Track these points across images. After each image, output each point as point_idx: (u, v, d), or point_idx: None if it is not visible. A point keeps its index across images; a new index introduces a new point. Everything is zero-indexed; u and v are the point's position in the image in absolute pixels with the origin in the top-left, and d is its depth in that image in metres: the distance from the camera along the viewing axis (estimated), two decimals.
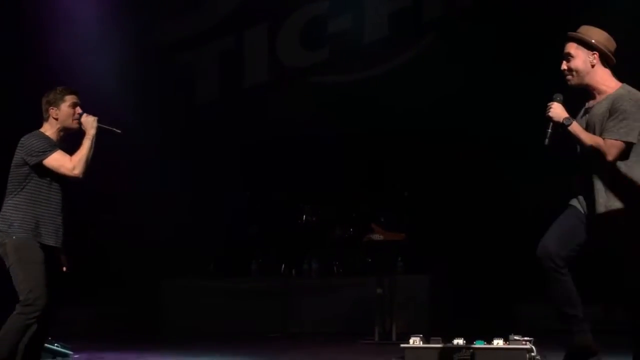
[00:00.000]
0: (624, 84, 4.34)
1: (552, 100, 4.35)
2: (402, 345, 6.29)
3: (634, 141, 4.20)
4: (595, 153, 4.22)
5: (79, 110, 4.92)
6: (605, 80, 4.34)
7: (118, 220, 9.48)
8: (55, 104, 4.89)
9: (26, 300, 4.62)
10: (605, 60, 4.35)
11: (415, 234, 8.13)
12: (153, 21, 10.53)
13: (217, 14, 10.64)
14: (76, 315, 8.31)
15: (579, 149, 4.33)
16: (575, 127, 4.28)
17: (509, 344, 5.76)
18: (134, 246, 9.26)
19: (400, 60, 9.97)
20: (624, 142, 4.19)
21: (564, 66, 4.39)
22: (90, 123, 4.86)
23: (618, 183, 4.20)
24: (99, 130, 4.86)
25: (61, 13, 9.74)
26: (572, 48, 4.37)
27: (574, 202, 4.42)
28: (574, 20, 9.28)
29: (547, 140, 4.34)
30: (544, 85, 9.42)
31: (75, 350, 6.61)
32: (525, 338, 6.01)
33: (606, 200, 4.22)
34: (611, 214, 4.20)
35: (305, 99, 9.99)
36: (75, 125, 4.90)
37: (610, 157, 4.20)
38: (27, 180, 4.76)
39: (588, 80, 4.36)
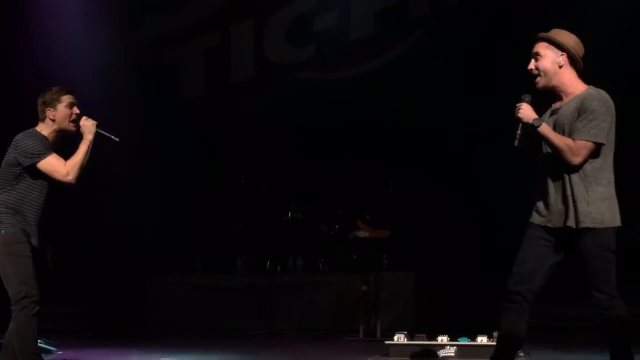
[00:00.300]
0: (591, 85, 4.32)
1: (520, 101, 4.32)
2: (386, 342, 6.32)
3: (604, 142, 4.17)
4: (565, 154, 4.17)
5: (76, 110, 4.79)
6: (572, 82, 4.31)
7: (102, 218, 9.44)
8: (52, 104, 4.76)
9: (18, 293, 4.53)
10: (573, 63, 4.31)
11: (400, 231, 8.15)
12: (139, 16, 10.48)
13: (203, 9, 10.60)
14: (60, 311, 8.27)
15: (544, 150, 4.29)
16: (545, 129, 4.24)
17: (492, 341, 5.79)
18: (119, 243, 9.22)
19: (387, 57, 9.97)
20: (594, 142, 4.16)
21: (532, 65, 4.34)
22: (88, 127, 4.73)
23: (590, 186, 4.17)
24: (96, 136, 4.74)
25: (45, 9, 9.69)
26: (541, 48, 4.33)
27: (536, 218, 4.32)
28: (559, 17, 9.41)
29: (516, 141, 4.30)
30: (529, 84, 9.48)
31: (58, 347, 6.59)
32: None
33: (585, 209, 4.16)
34: (587, 221, 4.16)
35: (291, 95, 9.98)
36: (72, 127, 4.77)
37: (580, 159, 4.16)
38: (18, 180, 4.66)
39: (555, 81, 4.31)
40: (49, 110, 4.76)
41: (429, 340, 6.23)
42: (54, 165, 4.63)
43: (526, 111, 4.29)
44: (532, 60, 4.35)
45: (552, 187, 4.27)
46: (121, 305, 8.93)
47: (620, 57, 8.77)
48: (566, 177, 4.22)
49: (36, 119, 4.82)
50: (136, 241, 9.27)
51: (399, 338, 6.27)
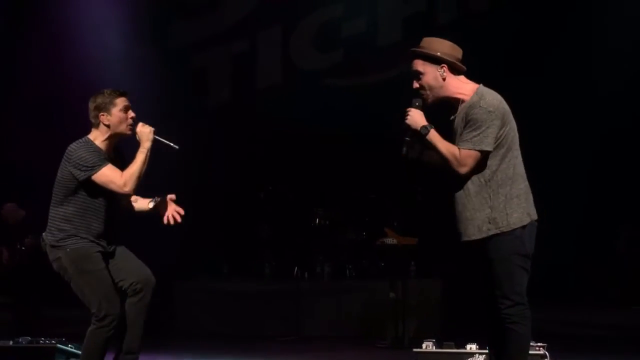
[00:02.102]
0: (480, 86, 4.16)
1: (410, 106, 4.15)
2: (414, 349, 6.27)
3: (489, 149, 4.00)
4: (451, 164, 4.03)
5: (131, 114, 4.56)
6: (459, 89, 4.13)
7: (130, 223, 9.47)
8: (106, 108, 4.51)
9: (99, 311, 4.41)
10: (455, 69, 4.15)
11: (428, 238, 8.11)
12: (168, 23, 10.55)
13: (231, 16, 10.65)
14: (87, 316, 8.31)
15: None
16: (433, 136, 4.06)
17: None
18: (148, 248, 9.25)
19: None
20: (478, 151, 4.00)
21: (416, 85, 4.16)
22: (146, 135, 4.50)
23: (493, 191, 4.02)
24: (154, 143, 4.52)
25: (76, 16, 9.79)
26: (418, 65, 4.15)
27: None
28: (582, 21, 9.35)
29: (405, 149, 4.14)
30: (557, 87, 9.44)
31: None
32: (539, 344, 5.98)
33: (489, 215, 4.02)
34: (492, 227, 4.02)
35: (318, 101, 9.99)
36: (128, 131, 4.53)
37: (466, 169, 4.01)
38: (76, 192, 4.46)
39: (443, 93, 4.14)
40: (102, 115, 4.52)
41: (458, 348, 6.18)
42: (109, 176, 4.40)
43: (415, 117, 4.11)
44: (415, 80, 4.16)
45: (457, 198, 4.12)
46: (149, 310, 8.95)
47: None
48: (469, 187, 4.07)
49: (85, 127, 4.60)
50: (165, 247, 9.31)
51: (427, 346, 6.22)
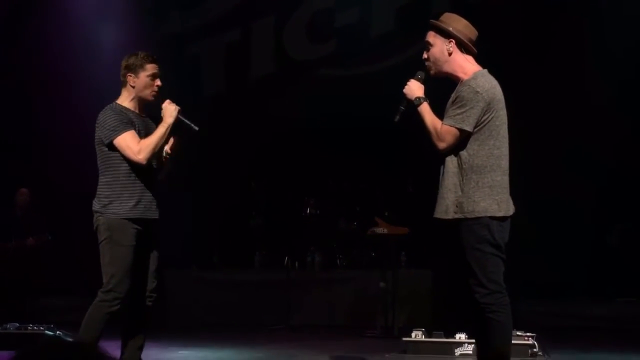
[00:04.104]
0: (482, 70, 4.17)
1: (413, 77, 4.23)
2: (404, 339, 6.30)
3: (469, 129, 4.00)
4: (432, 137, 4.07)
5: (158, 82, 4.62)
6: (462, 68, 4.15)
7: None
8: (135, 71, 4.58)
9: (107, 285, 4.45)
10: (463, 48, 4.17)
11: (419, 229, 8.11)
12: (161, 13, 10.51)
13: (224, 5, 10.61)
14: (80, 304, 8.30)
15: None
16: (423, 108, 4.14)
17: (511, 341, 5.75)
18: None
19: (408, 53, 9.94)
20: (457, 129, 4.01)
21: (425, 55, 4.22)
22: (170, 111, 4.58)
23: (466, 174, 4.01)
24: (176, 122, 4.58)
25: (69, 5, 9.77)
26: (430, 37, 4.21)
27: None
28: (579, 16, 9.35)
29: (397, 117, 4.22)
30: (552, 77, 9.43)
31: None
32: (528, 334, 6.01)
33: (457, 198, 4.01)
34: (458, 211, 4.01)
35: (311, 91, 9.97)
36: (151, 97, 4.60)
37: (444, 144, 4.04)
38: (113, 158, 4.51)
39: (447, 68, 4.17)
40: (130, 75, 4.59)
41: (447, 337, 6.20)
42: (127, 142, 4.46)
43: (412, 87, 4.21)
44: (425, 50, 4.22)
45: (440, 177, 4.15)
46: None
47: None
48: (446, 165, 4.10)
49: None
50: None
51: (417, 335, 6.25)
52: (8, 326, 6.29)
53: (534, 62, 9.18)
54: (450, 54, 4.16)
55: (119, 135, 4.47)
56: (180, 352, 6.65)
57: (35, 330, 6.17)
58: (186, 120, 4.64)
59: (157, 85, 4.64)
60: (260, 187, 9.95)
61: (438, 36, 4.18)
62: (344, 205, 9.54)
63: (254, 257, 9.42)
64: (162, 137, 4.54)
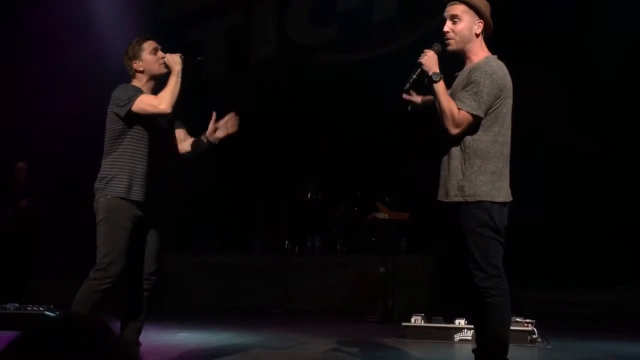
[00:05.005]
0: (492, 55, 4.12)
1: (430, 48, 4.13)
2: (403, 324, 6.30)
3: (482, 116, 3.98)
4: (446, 121, 4.00)
5: (161, 54, 4.65)
6: (478, 50, 4.11)
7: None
8: (137, 56, 4.64)
9: (100, 264, 4.46)
10: (485, 31, 4.13)
11: (419, 214, 8.11)
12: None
13: None
14: (76, 285, 8.31)
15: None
16: (441, 87, 4.06)
17: (511, 326, 5.75)
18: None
19: (410, 39, 9.90)
20: (473, 115, 3.98)
21: (448, 28, 4.10)
22: (174, 60, 4.59)
23: (469, 159, 4.00)
24: (185, 64, 4.61)
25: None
26: (459, 10, 4.09)
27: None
28: (586, 12, 9.28)
29: (408, 85, 4.15)
30: (550, 65, 9.35)
31: None
32: (527, 320, 6.02)
33: (459, 182, 4.00)
34: (459, 194, 4.01)
35: (313, 76, 9.94)
36: (162, 69, 4.63)
37: (458, 130, 3.99)
38: (122, 137, 4.54)
39: (467, 46, 4.11)
40: (135, 63, 4.65)
41: (446, 323, 6.20)
42: (145, 100, 4.49)
43: (431, 60, 4.10)
44: (449, 22, 4.11)
45: (442, 159, 4.12)
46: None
47: None
48: (449, 148, 4.07)
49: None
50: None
51: (416, 320, 6.25)
52: (8, 306, 6.30)
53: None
54: (477, 35, 4.10)
55: (135, 100, 4.48)
56: (179, 334, 6.66)
57: (35, 310, 6.17)
58: (190, 57, 4.71)
59: (162, 57, 4.66)
60: (260, 170, 9.93)
61: (470, 12, 4.09)
62: (344, 189, 9.53)
63: (253, 242, 9.41)
64: (176, 84, 4.55)
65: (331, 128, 9.61)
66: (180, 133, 4.93)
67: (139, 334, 4.73)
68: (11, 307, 6.30)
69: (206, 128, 4.93)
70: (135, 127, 4.56)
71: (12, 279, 8.49)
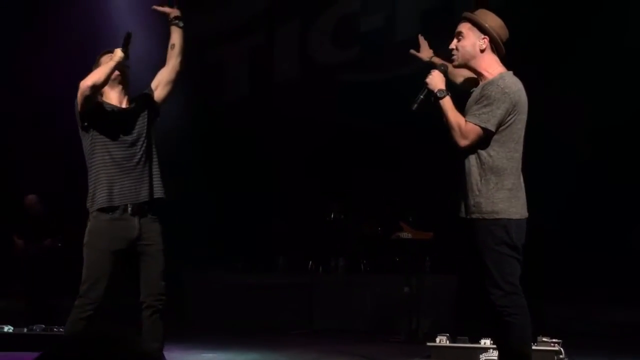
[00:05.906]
0: (508, 71, 4.13)
1: (436, 69, 4.20)
2: (428, 344, 6.26)
3: (493, 129, 3.97)
4: (454, 134, 4.02)
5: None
6: (489, 67, 4.12)
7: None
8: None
9: (80, 291, 4.47)
10: (495, 47, 4.15)
11: (443, 233, 8.07)
12: (184, 17, 10.54)
13: (248, 10, 10.64)
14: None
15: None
16: (446, 102, 4.08)
17: (537, 346, 5.70)
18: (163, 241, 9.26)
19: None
20: (482, 128, 3.97)
21: (453, 45, 4.17)
22: (115, 51, 4.62)
23: (485, 175, 3.99)
24: (124, 45, 4.61)
25: (93, 9, 9.81)
26: (464, 28, 4.16)
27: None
28: (606, 18, 9.25)
29: (415, 105, 4.17)
30: (578, 77, 9.27)
31: None
32: (554, 340, 5.95)
33: (476, 199, 3.99)
34: (476, 211, 3.99)
35: (335, 96, 9.96)
36: (111, 66, 4.56)
37: (467, 142, 4.00)
38: (92, 150, 4.53)
39: (474, 63, 4.14)
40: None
41: (472, 343, 6.16)
42: (80, 90, 4.44)
43: (436, 78, 4.16)
44: (455, 39, 4.17)
45: (459, 175, 4.11)
46: (164, 314, 8.97)
47: None
48: (465, 164, 4.07)
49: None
50: (179, 239, 9.32)
51: (441, 340, 6.21)
52: (34, 328, 6.33)
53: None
54: (482, 51, 4.14)
55: (80, 84, 4.45)
56: (204, 354, 6.66)
57: (62, 332, 6.19)
58: (125, 40, 4.70)
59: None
60: (284, 190, 9.96)
61: (474, 29, 4.15)
62: (368, 209, 9.52)
63: (277, 261, 9.42)
64: (106, 66, 4.52)
65: (354, 147, 9.62)
66: (156, 79, 4.98)
67: (161, 350, 4.70)
68: (38, 328, 6.34)
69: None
70: (97, 136, 4.52)
71: (37, 301, 8.53)
